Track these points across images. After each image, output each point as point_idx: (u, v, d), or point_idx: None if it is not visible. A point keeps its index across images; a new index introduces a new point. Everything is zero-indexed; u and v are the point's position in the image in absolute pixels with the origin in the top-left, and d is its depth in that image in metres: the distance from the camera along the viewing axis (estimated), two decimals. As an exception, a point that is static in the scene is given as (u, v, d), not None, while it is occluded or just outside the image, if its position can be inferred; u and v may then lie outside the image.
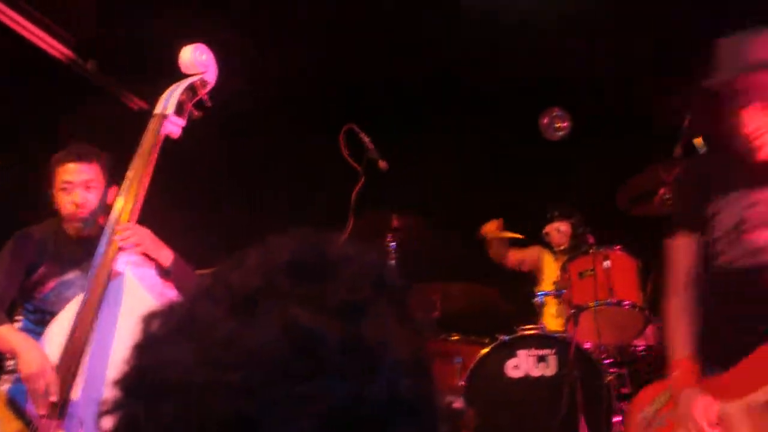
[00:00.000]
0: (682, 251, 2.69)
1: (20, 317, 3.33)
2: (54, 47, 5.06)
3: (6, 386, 3.10)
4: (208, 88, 3.13)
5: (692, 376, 2.52)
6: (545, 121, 5.57)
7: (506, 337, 4.35)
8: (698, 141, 3.64)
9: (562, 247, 5.23)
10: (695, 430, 2.43)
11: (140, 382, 0.69)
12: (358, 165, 4.22)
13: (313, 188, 5.92)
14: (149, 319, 0.72)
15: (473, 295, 5.20)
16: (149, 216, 2.98)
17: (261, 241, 0.75)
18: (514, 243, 5.61)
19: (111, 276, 2.72)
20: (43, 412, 2.59)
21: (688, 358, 2.55)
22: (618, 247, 4.40)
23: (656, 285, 4.16)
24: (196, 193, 3.29)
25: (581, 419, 3.89)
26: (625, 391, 4.34)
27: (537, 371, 4.22)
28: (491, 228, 5.47)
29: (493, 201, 6.02)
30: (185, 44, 3.11)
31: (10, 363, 3.14)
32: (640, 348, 4.54)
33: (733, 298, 2.58)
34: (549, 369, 4.21)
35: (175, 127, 3.03)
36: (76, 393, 2.60)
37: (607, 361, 4.39)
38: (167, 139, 3.02)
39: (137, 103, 5.58)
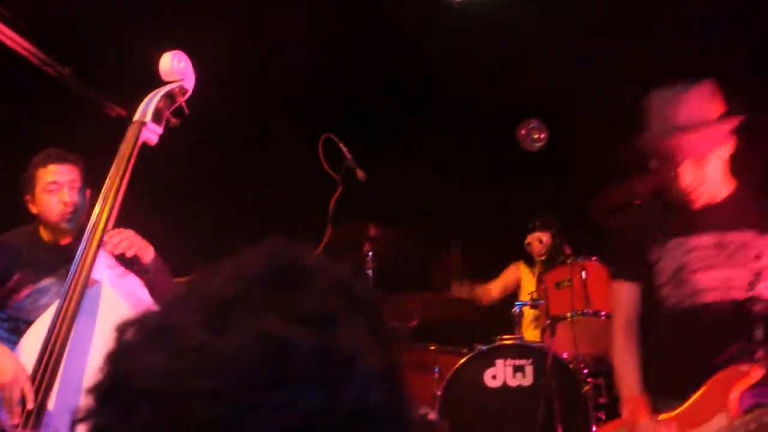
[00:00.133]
0: (624, 298, 2.91)
1: (-7, 326, 3.30)
2: (31, 52, 5.02)
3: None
4: (187, 95, 3.12)
5: (646, 409, 2.69)
6: (523, 132, 5.60)
7: (484, 347, 4.36)
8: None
9: (542, 257, 5.24)
10: None
11: (113, 390, 0.69)
12: (336, 174, 4.21)
13: (290, 197, 5.91)
14: (123, 327, 0.72)
15: (451, 305, 5.21)
16: (127, 223, 2.97)
17: (237, 250, 0.76)
18: (491, 264, 5.64)
19: (88, 284, 2.70)
20: (16, 421, 2.56)
21: (639, 393, 2.73)
22: (594, 258, 4.43)
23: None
24: (174, 201, 3.28)
25: (558, 429, 3.91)
26: (602, 401, 4.36)
27: (514, 381, 4.24)
28: (460, 292, 5.44)
29: (470, 211, 6.05)
30: (164, 51, 3.11)
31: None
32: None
33: (682, 336, 2.77)
34: (526, 379, 4.22)
35: (152, 134, 3.02)
36: (52, 402, 2.58)
37: (585, 371, 4.41)
38: (145, 146, 3.01)
39: (115, 110, 5.55)
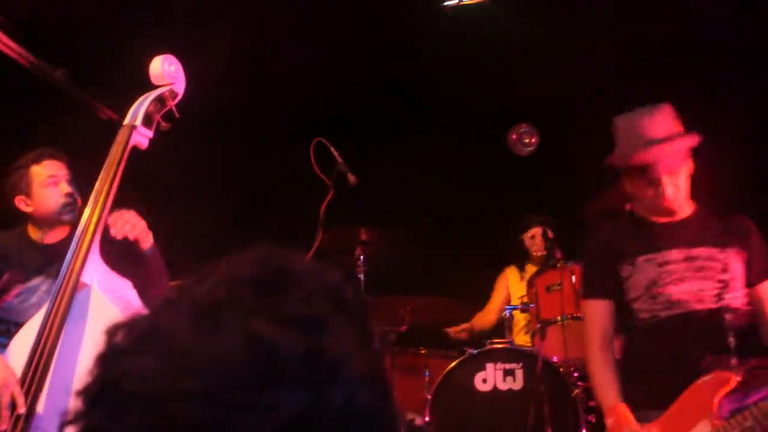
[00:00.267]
0: (597, 316, 2.97)
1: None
2: (21, 54, 5.01)
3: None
4: (177, 99, 3.12)
5: (628, 417, 2.73)
6: (514, 136, 5.60)
7: (474, 351, 4.37)
8: None
9: (539, 254, 5.23)
10: None
11: (103, 392, 0.70)
12: (328, 178, 4.21)
13: (282, 201, 5.90)
14: (114, 330, 0.73)
15: (442, 309, 5.21)
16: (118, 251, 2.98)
17: (227, 254, 0.77)
18: (482, 267, 5.65)
19: (77, 288, 2.69)
20: (4, 426, 2.55)
21: (619, 403, 2.78)
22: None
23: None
24: (164, 204, 3.29)
25: (548, 432, 3.91)
26: (592, 404, 4.37)
27: (505, 385, 4.24)
28: (454, 330, 5.43)
29: (461, 214, 6.05)
30: (156, 54, 3.10)
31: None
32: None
33: (659, 348, 2.84)
34: (517, 383, 4.23)
35: (143, 138, 3.02)
36: (41, 406, 2.57)
37: (575, 374, 4.41)
38: (135, 150, 3.01)
39: (106, 113, 5.54)
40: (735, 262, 2.87)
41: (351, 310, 0.76)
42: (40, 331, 2.62)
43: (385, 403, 0.74)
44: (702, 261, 2.85)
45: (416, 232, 5.77)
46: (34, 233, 3.32)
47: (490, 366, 4.27)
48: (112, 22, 4.98)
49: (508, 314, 4.81)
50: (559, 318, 4.27)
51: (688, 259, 2.85)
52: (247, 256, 0.77)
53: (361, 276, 4.85)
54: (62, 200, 3.26)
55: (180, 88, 3.14)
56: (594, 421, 4.25)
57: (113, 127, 3.07)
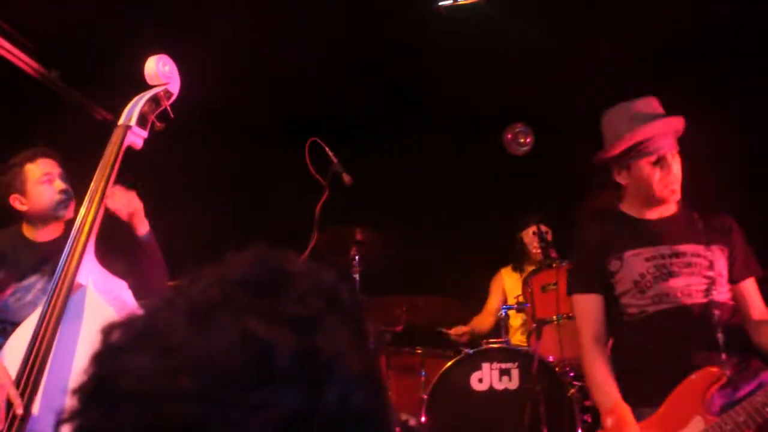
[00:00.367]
0: (588, 311, 2.96)
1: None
2: (16, 56, 5.00)
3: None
4: (172, 99, 3.12)
5: (629, 417, 2.71)
6: (509, 136, 5.61)
7: (470, 351, 4.37)
8: None
9: (539, 250, 5.21)
10: None
11: (98, 390, 0.70)
12: (323, 178, 4.21)
13: (277, 201, 5.90)
14: (110, 328, 0.73)
15: (437, 309, 5.21)
16: (112, 226, 2.97)
17: (222, 254, 0.78)
18: (478, 267, 5.65)
19: (72, 288, 2.69)
20: (1, 427, 2.55)
21: (618, 402, 2.76)
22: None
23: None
24: (158, 205, 3.28)
25: (544, 431, 3.91)
26: (587, 404, 4.37)
27: (501, 384, 4.25)
28: (455, 333, 5.43)
29: (456, 214, 6.06)
30: (151, 54, 3.10)
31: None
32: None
33: (647, 343, 2.84)
34: (512, 382, 4.24)
35: (137, 138, 3.02)
36: (36, 407, 2.56)
37: (571, 374, 4.42)
38: (130, 150, 3.01)
39: (101, 114, 5.53)
40: (719, 260, 2.89)
41: (345, 310, 0.76)
42: (35, 332, 2.61)
43: (379, 403, 0.75)
44: (689, 257, 2.87)
45: (411, 232, 5.77)
46: (28, 231, 3.33)
47: (486, 366, 4.28)
48: (108, 22, 4.97)
49: (504, 314, 4.81)
50: (554, 318, 4.27)
51: (676, 254, 2.87)
52: (243, 256, 0.78)
53: (357, 276, 4.85)
54: (57, 197, 3.27)
55: (175, 88, 3.13)
56: (590, 420, 4.26)
57: (108, 127, 3.07)
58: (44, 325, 2.62)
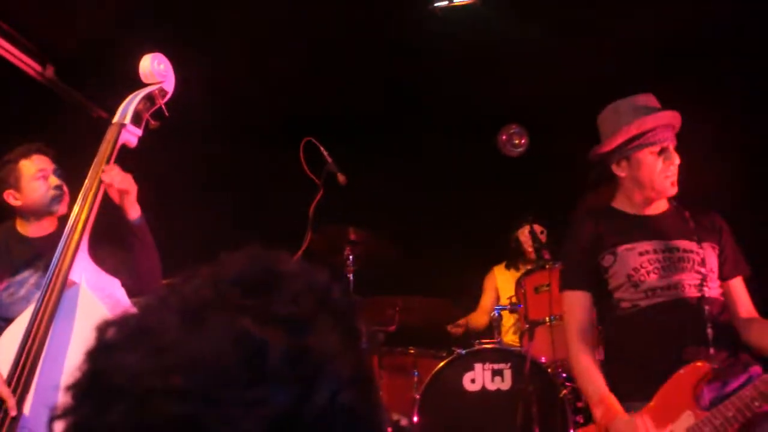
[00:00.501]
0: (575, 307, 2.98)
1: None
2: (11, 52, 4.99)
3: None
4: (167, 97, 3.13)
5: (617, 406, 2.73)
6: (503, 137, 5.62)
7: (463, 351, 4.37)
8: None
9: (534, 248, 5.21)
10: None
11: (91, 386, 0.71)
12: (317, 178, 4.22)
13: (271, 201, 5.90)
14: (104, 326, 0.74)
15: (431, 309, 5.22)
16: (106, 225, 2.97)
17: (216, 254, 0.79)
18: (472, 267, 5.65)
19: (66, 286, 2.69)
20: None
21: (606, 393, 2.77)
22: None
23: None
24: (152, 204, 3.29)
25: (536, 432, 3.92)
26: (580, 405, 4.38)
27: (493, 385, 4.25)
28: (454, 330, 5.44)
29: (450, 215, 6.07)
30: (144, 53, 3.10)
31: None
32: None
33: (641, 336, 2.86)
34: (505, 383, 4.24)
35: (132, 136, 3.03)
36: (28, 405, 2.56)
37: (563, 375, 4.43)
38: (124, 149, 3.02)
39: (96, 111, 5.53)
40: (710, 257, 2.91)
41: (337, 310, 0.77)
42: (27, 329, 2.62)
43: (369, 403, 0.75)
44: (681, 253, 2.89)
45: (405, 232, 5.77)
46: (21, 227, 3.34)
47: (478, 366, 4.28)
48: (105, 19, 4.97)
49: (497, 314, 4.81)
50: (547, 319, 4.27)
51: (668, 249, 2.89)
52: (236, 256, 0.79)
53: (350, 276, 4.85)
54: (51, 192, 3.27)
55: (169, 86, 3.14)
56: (582, 421, 4.27)
57: (103, 125, 3.07)
58: (37, 322, 2.62)
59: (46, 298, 2.66)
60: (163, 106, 3.11)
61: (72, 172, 3.29)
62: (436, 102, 5.91)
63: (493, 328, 4.81)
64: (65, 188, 3.31)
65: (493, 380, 4.25)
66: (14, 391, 2.56)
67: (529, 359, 4.05)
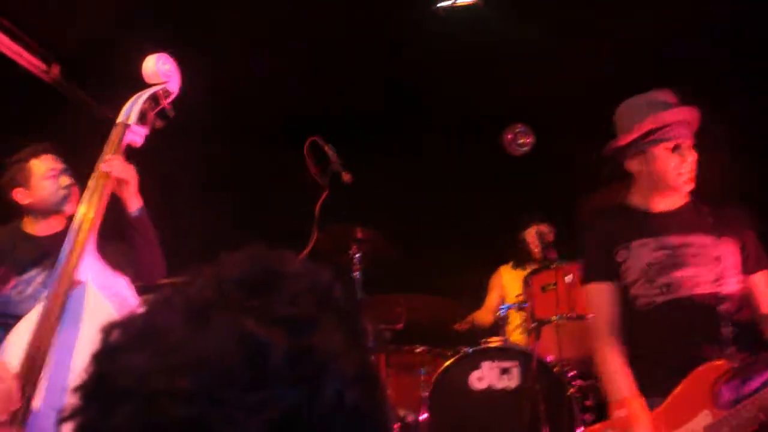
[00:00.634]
0: (602, 299, 2.94)
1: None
2: (16, 52, 5.00)
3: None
4: (171, 97, 3.14)
5: (642, 414, 2.69)
6: (509, 136, 5.60)
7: (470, 349, 4.37)
8: None
9: (540, 248, 5.21)
10: None
11: (97, 388, 0.71)
12: (322, 177, 4.22)
13: (277, 200, 5.90)
14: (109, 328, 0.74)
15: (437, 308, 5.22)
16: (112, 225, 2.97)
17: (221, 254, 0.79)
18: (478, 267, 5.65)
19: (72, 285, 2.69)
20: (4, 417, 2.55)
21: (633, 395, 2.73)
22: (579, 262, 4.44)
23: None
24: (157, 204, 3.30)
25: (544, 430, 3.92)
26: (588, 403, 4.38)
27: (500, 383, 4.25)
28: (460, 326, 5.44)
29: (456, 213, 6.06)
30: (148, 53, 3.11)
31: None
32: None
33: (656, 333, 2.83)
34: (512, 381, 4.24)
35: (137, 136, 3.04)
36: (37, 402, 2.57)
37: (570, 373, 4.42)
38: (130, 149, 3.02)
39: (101, 111, 5.53)
40: (729, 252, 2.87)
41: (341, 309, 0.77)
42: (35, 328, 2.62)
43: (374, 402, 0.75)
44: (697, 248, 2.85)
45: (412, 230, 5.78)
46: (29, 226, 3.38)
47: (485, 364, 4.28)
48: (109, 19, 4.97)
49: (502, 314, 4.81)
50: (554, 318, 4.27)
51: (684, 245, 2.85)
52: (239, 256, 0.79)
53: (357, 275, 4.85)
54: (62, 192, 3.32)
55: (174, 86, 3.15)
56: (589, 419, 4.26)
57: (108, 125, 3.08)
58: (44, 321, 2.63)
59: (53, 297, 2.67)
60: (167, 106, 3.12)
61: (76, 171, 3.32)
62: (441, 101, 5.91)
63: (498, 326, 4.81)
64: (74, 188, 3.33)
65: (500, 378, 4.25)
66: (23, 389, 2.56)
67: (535, 358, 4.05)
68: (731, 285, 2.84)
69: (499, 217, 5.55)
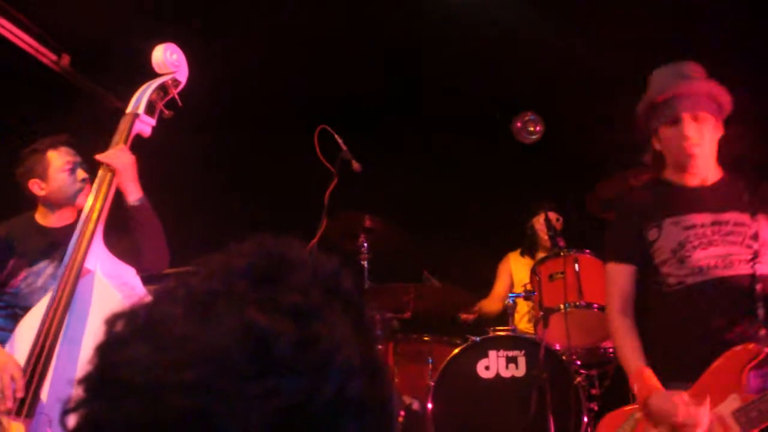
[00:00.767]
0: (618, 280, 2.89)
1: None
2: (26, 42, 5.01)
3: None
4: (180, 87, 3.14)
5: (655, 380, 2.65)
6: (518, 124, 5.60)
7: (477, 338, 4.37)
8: None
9: (550, 234, 5.18)
10: (684, 416, 2.51)
11: (102, 381, 0.72)
12: (332, 165, 4.22)
13: (286, 188, 5.91)
14: (114, 319, 0.74)
15: (445, 296, 5.21)
16: (118, 216, 2.99)
17: (230, 243, 0.79)
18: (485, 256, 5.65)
19: (81, 274, 2.71)
20: (9, 405, 2.58)
21: (644, 367, 2.69)
22: (587, 250, 4.43)
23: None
24: (166, 193, 3.31)
25: (551, 419, 3.92)
26: (594, 392, 4.39)
27: (507, 372, 4.25)
28: (465, 316, 5.42)
29: (465, 201, 6.05)
30: (157, 43, 3.11)
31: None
32: (609, 350, 4.58)
33: (685, 316, 2.75)
34: (519, 370, 4.24)
35: (146, 126, 3.05)
36: (45, 392, 2.59)
37: (577, 362, 4.42)
38: (138, 138, 3.03)
39: (111, 101, 5.55)
40: (765, 230, 2.77)
41: (346, 299, 0.77)
42: (43, 317, 2.64)
43: (378, 391, 0.75)
44: (731, 226, 2.76)
45: (421, 218, 5.78)
46: (41, 217, 3.38)
47: (492, 353, 4.28)
48: (119, 9, 4.98)
49: (511, 302, 4.80)
50: (561, 306, 4.26)
51: (716, 223, 2.77)
52: (244, 246, 0.79)
53: (365, 263, 4.86)
54: (78, 185, 3.32)
55: (182, 76, 3.15)
56: (596, 408, 4.27)
57: (118, 115, 3.09)
58: (52, 310, 2.65)
59: (61, 287, 2.68)
60: (176, 96, 3.12)
61: (86, 161, 3.32)
62: (452, 89, 5.89)
63: (507, 315, 4.81)
64: (90, 182, 3.34)
65: (507, 367, 4.25)
66: (30, 379, 2.58)
67: (543, 346, 4.05)
68: (767, 264, 2.74)
69: (508, 205, 5.53)
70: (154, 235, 3.12)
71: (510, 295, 4.84)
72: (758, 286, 2.69)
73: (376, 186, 5.02)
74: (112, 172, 2.94)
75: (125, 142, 2.96)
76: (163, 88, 3.09)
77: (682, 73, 2.86)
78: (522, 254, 5.51)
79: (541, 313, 4.37)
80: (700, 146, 2.81)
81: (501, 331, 4.48)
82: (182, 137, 4.12)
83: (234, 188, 5.96)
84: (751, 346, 2.59)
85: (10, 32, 4.88)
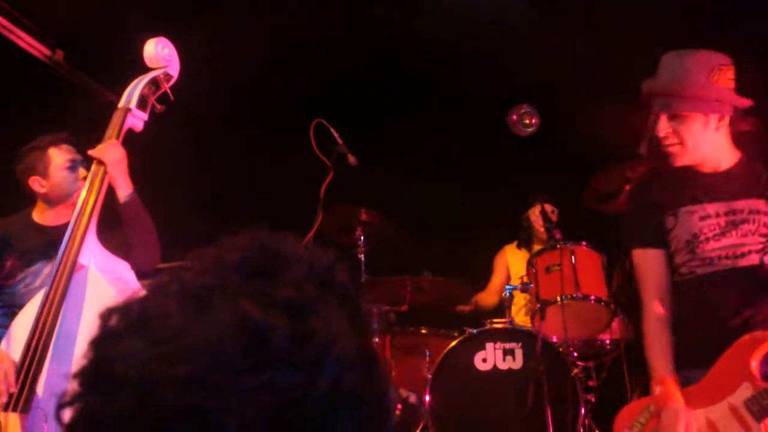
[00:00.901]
0: (650, 266, 2.84)
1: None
2: (20, 36, 4.99)
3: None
4: (171, 81, 3.13)
5: (675, 392, 2.64)
6: (514, 117, 5.58)
7: (474, 331, 4.38)
8: None
9: (546, 227, 5.18)
10: None
11: (97, 375, 0.71)
12: (328, 159, 4.22)
13: (282, 182, 5.90)
14: (107, 314, 0.74)
15: (442, 289, 5.22)
16: (111, 211, 2.98)
17: (225, 236, 0.79)
18: (483, 249, 5.65)
19: (75, 269, 2.71)
20: (4, 399, 2.58)
21: (669, 374, 2.68)
22: (584, 242, 4.44)
23: (621, 280, 4.25)
24: (162, 187, 3.30)
25: (548, 411, 3.93)
26: (591, 384, 4.39)
27: (504, 364, 4.26)
28: (463, 308, 5.42)
29: (462, 194, 6.05)
30: (152, 37, 3.10)
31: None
32: (606, 342, 4.59)
33: (698, 305, 2.74)
34: (516, 362, 4.25)
35: (137, 120, 3.04)
36: (41, 386, 2.59)
37: (574, 354, 4.43)
38: (132, 134, 3.03)
39: (106, 96, 5.53)
40: None
41: (341, 292, 0.77)
42: (38, 312, 2.64)
43: (375, 384, 0.75)
44: (745, 214, 2.73)
45: (417, 212, 5.77)
46: (39, 215, 3.37)
47: (490, 345, 4.29)
48: (113, 3, 4.96)
49: (508, 294, 4.80)
50: (558, 298, 4.27)
51: (730, 212, 2.74)
52: (240, 239, 0.78)
53: (362, 256, 4.86)
54: (80, 183, 3.28)
55: (174, 70, 3.15)
56: (593, 400, 4.28)
57: (111, 109, 3.08)
58: (47, 305, 2.65)
59: (55, 281, 2.68)
60: (168, 90, 3.11)
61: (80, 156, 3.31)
62: (447, 82, 5.88)
63: (504, 307, 4.81)
64: None
65: (504, 360, 4.26)
66: (26, 373, 2.58)
67: (540, 339, 4.06)
68: None
69: (504, 197, 5.53)
70: (143, 230, 3.10)
71: (507, 287, 4.85)
72: None
73: (372, 179, 5.02)
74: (108, 168, 2.94)
75: (117, 136, 2.96)
76: (154, 83, 3.08)
77: (673, 68, 2.79)
78: (518, 246, 5.52)
79: (538, 305, 4.37)
80: (680, 145, 2.76)
81: (498, 324, 4.49)
82: (178, 131, 4.12)
83: (230, 182, 5.95)
84: (761, 334, 2.59)
85: (4, 27, 4.86)
